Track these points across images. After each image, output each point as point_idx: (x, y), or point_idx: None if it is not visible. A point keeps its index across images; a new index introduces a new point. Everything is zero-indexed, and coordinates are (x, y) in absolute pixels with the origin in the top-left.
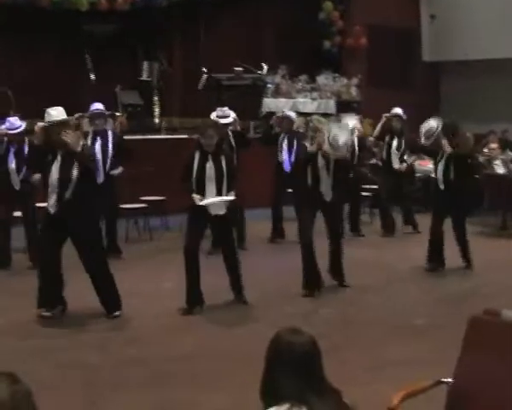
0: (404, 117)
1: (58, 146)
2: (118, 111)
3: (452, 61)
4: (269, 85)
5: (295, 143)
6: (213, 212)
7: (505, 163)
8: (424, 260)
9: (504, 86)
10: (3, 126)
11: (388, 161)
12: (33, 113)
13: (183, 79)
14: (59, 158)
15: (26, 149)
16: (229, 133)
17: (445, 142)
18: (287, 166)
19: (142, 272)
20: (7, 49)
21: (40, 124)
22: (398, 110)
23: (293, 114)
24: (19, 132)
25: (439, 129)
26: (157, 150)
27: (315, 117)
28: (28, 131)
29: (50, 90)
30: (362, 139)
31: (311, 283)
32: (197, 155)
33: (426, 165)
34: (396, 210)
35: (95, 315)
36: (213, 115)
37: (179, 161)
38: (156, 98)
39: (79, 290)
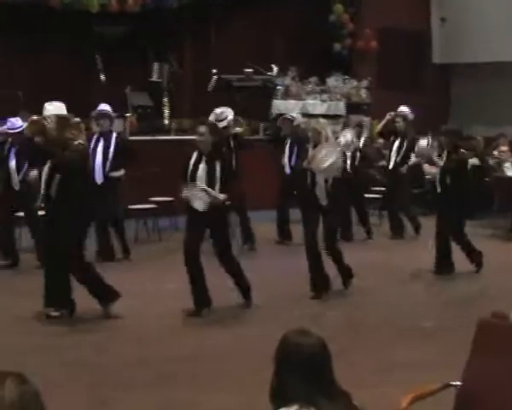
0: (411, 117)
1: (57, 146)
2: (128, 112)
3: (462, 63)
4: (279, 87)
5: (296, 146)
6: (196, 206)
7: None
8: (432, 262)
9: None
10: (4, 126)
11: (388, 162)
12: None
13: (194, 81)
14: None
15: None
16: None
17: (438, 159)
18: (287, 170)
19: (149, 273)
20: (16, 49)
21: (35, 117)
22: (403, 108)
23: (297, 116)
24: (19, 132)
25: (429, 146)
26: (166, 151)
27: (315, 119)
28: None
29: (61, 90)
30: (366, 145)
31: (319, 285)
32: (194, 155)
33: (435, 167)
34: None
35: (98, 315)
36: (211, 118)
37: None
38: (166, 100)
39: (82, 290)
